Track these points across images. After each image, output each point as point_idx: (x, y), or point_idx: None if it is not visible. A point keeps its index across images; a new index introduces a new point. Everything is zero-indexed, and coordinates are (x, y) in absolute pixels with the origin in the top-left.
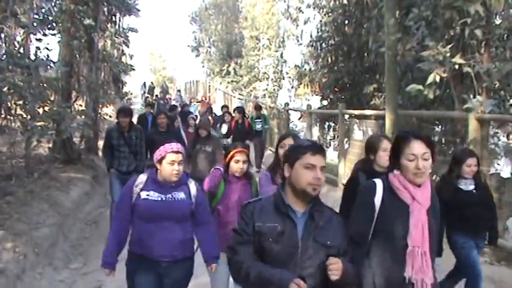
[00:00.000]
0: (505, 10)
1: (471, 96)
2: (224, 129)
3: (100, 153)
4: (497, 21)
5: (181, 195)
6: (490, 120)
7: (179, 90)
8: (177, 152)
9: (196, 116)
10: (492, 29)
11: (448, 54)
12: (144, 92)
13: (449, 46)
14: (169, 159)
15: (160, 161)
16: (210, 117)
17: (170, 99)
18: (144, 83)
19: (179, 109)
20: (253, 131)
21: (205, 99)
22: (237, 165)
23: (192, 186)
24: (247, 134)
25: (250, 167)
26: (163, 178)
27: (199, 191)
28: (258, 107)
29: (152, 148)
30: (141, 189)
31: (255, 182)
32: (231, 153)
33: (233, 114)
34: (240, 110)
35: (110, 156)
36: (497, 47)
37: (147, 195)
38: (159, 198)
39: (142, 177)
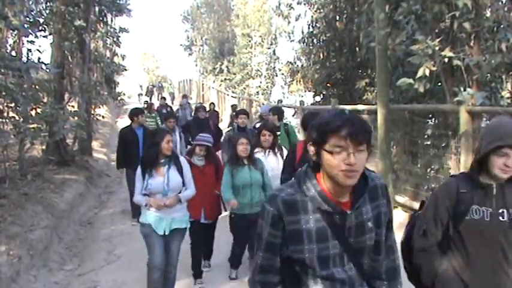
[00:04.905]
0: (494, 3)
1: (462, 89)
2: (274, 161)
3: (94, 155)
4: (487, 13)
5: None
6: (481, 112)
7: (185, 96)
8: None
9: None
10: (481, 21)
11: (438, 48)
12: (141, 94)
13: (439, 39)
14: None
15: None
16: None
17: (169, 106)
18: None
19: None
20: None
21: (213, 106)
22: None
23: None
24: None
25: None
26: None
27: None
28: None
29: None
30: None
31: None
32: None
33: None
34: None
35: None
36: (487, 40)
37: None
38: None
39: None
